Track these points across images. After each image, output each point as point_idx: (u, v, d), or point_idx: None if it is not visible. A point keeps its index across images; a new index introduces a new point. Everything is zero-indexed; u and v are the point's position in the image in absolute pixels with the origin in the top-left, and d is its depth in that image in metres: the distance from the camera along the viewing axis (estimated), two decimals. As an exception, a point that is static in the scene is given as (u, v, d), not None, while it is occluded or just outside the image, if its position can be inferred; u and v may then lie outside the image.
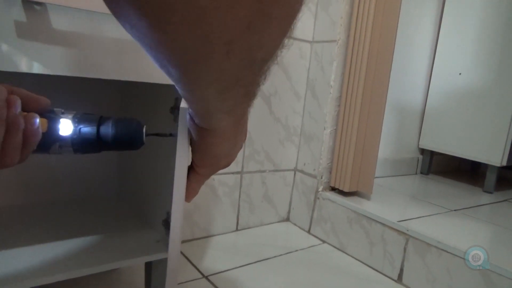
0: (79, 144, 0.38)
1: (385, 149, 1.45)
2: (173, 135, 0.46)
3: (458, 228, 0.98)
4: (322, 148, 1.12)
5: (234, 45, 0.21)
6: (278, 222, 1.22)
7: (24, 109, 0.33)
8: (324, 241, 1.11)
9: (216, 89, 0.27)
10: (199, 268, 0.88)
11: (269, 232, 1.14)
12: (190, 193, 0.44)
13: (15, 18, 0.42)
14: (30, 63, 0.44)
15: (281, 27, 0.22)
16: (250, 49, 0.22)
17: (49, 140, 0.36)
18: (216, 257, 0.94)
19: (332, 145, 1.12)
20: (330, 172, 1.13)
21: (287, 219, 1.24)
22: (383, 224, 0.96)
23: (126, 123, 0.40)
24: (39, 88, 0.40)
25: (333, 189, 1.14)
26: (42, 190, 0.76)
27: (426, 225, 0.95)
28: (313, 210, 1.15)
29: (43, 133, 0.35)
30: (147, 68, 0.51)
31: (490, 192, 1.41)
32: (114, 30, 0.48)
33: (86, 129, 0.38)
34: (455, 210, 1.13)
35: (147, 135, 0.41)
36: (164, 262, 0.65)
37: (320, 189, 1.13)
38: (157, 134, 0.44)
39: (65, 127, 0.37)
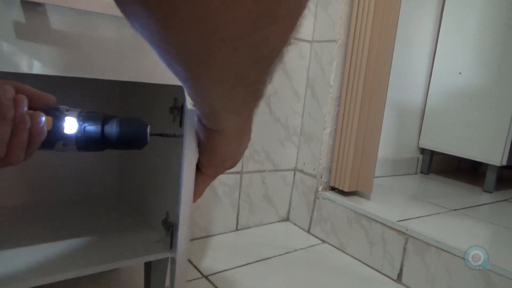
0: (83, 142, 0.38)
1: (385, 149, 1.45)
2: (177, 136, 0.46)
3: (458, 227, 0.98)
4: (322, 148, 1.12)
5: (242, 42, 0.22)
6: (278, 222, 1.22)
7: (29, 106, 0.33)
8: (324, 241, 1.11)
9: (223, 87, 0.27)
10: (199, 268, 0.88)
11: (269, 232, 1.14)
12: (196, 194, 0.45)
13: (14, 19, 0.42)
14: (29, 64, 0.44)
15: (288, 23, 0.22)
16: (257, 45, 0.23)
17: (54, 138, 0.37)
18: (216, 257, 0.95)
19: (332, 145, 1.12)
20: (330, 172, 1.13)
21: (287, 219, 1.24)
22: (383, 224, 0.96)
23: (131, 123, 0.40)
24: (39, 88, 0.40)
25: (333, 189, 1.14)
26: (42, 190, 0.76)
27: (426, 225, 0.95)
28: (313, 210, 1.15)
29: (48, 131, 0.35)
30: (146, 68, 0.51)
31: (490, 192, 1.41)
32: (113, 31, 0.48)
33: (91, 127, 0.38)
34: (455, 209, 1.13)
35: (151, 135, 0.41)
36: (164, 262, 0.65)
37: (320, 189, 1.14)
38: (161, 135, 0.44)
39: (70, 125, 0.37)
